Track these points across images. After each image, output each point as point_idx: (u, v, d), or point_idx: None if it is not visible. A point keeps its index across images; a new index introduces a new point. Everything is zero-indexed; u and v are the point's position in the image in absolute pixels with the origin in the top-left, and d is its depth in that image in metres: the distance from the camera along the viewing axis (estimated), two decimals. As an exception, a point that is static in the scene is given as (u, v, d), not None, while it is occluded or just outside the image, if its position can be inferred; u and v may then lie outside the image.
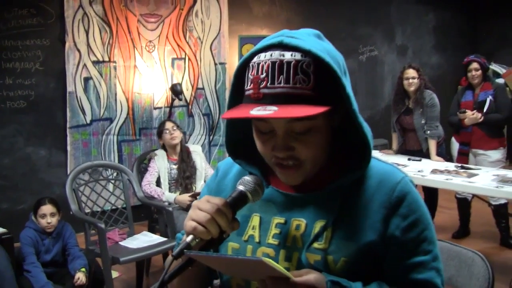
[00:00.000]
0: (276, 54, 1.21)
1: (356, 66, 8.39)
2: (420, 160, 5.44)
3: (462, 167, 5.06)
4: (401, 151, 5.85)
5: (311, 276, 1.20)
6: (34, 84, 5.82)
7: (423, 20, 9.24)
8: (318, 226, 1.32)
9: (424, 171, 4.93)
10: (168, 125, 4.98)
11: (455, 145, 5.82)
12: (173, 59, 6.67)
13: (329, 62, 1.21)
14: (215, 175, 1.58)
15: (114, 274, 4.73)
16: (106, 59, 6.19)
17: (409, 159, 5.50)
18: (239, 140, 1.45)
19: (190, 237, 1.19)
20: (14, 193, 5.78)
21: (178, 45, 6.68)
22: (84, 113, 6.10)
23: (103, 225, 3.98)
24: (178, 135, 4.97)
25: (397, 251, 1.30)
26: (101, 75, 6.18)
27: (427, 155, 5.58)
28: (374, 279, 1.30)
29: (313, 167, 1.32)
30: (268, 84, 1.20)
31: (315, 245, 1.30)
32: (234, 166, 1.53)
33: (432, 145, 5.55)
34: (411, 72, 5.57)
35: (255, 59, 1.25)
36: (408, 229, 1.30)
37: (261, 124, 1.28)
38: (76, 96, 6.03)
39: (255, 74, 1.23)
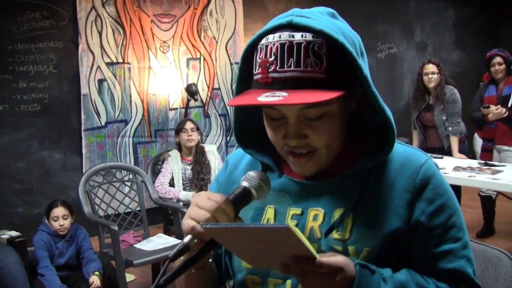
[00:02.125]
0: (285, 35, 1.12)
1: (375, 63, 8.27)
2: (441, 158, 5.30)
3: (486, 164, 4.92)
4: (422, 148, 5.61)
5: (339, 257, 1.10)
6: (48, 87, 5.77)
7: (443, 17, 9.09)
8: (337, 214, 1.23)
9: (446, 168, 4.79)
10: (188, 125, 4.90)
11: (478, 142, 5.69)
12: (188, 59, 6.59)
13: (343, 42, 1.11)
14: (225, 168, 1.49)
15: (130, 277, 4.66)
16: (120, 60, 6.13)
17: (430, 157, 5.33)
18: (249, 128, 1.37)
19: (188, 237, 1.09)
20: (29, 197, 5.73)
21: (193, 45, 6.60)
22: (98, 115, 6.03)
23: (116, 228, 3.90)
24: (195, 138, 4.90)
25: (424, 239, 1.21)
26: (115, 76, 6.11)
27: (448, 153, 5.46)
28: (400, 269, 1.20)
29: (329, 155, 1.23)
30: (277, 68, 1.12)
31: (335, 235, 1.21)
32: (244, 158, 1.45)
33: (454, 142, 5.42)
34: (430, 68, 5.45)
35: (263, 41, 1.16)
36: (435, 214, 1.21)
37: (272, 110, 1.19)
38: (91, 98, 5.97)
39: (263, 57, 1.14)
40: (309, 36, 1.11)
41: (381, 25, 8.31)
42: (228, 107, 6.90)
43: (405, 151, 1.28)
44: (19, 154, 5.68)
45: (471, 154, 5.77)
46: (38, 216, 5.32)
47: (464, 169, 4.73)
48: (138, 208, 4.57)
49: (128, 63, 6.19)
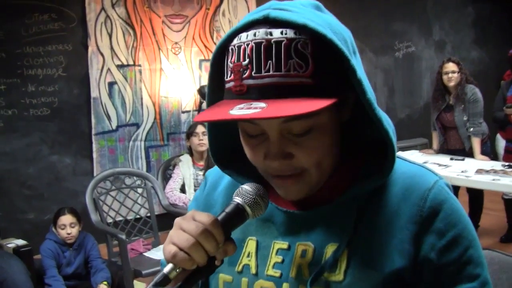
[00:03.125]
0: (261, 33, 0.91)
1: (392, 63, 8.10)
2: (463, 160, 5.12)
3: (510, 166, 4.72)
4: (443, 150, 5.53)
5: None
6: (57, 90, 5.66)
7: (462, 14, 8.88)
8: (329, 251, 1.02)
9: (469, 171, 4.61)
10: (199, 129, 4.75)
11: (501, 143, 5.50)
12: (200, 61, 6.45)
13: (332, 38, 0.90)
14: (203, 187, 1.29)
15: (141, 285, 4.52)
16: (131, 62, 6.00)
17: (451, 159, 5.18)
18: (227, 145, 1.16)
19: (169, 267, 0.90)
20: (40, 203, 5.63)
21: (205, 46, 6.46)
22: (109, 119, 5.91)
23: (123, 236, 3.77)
24: (206, 142, 4.73)
25: (434, 279, 0.99)
26: (126, 79, 5.99)
27: (470, 154, 5.26)
28: None
29: (319, 176, 1.01)
30: (252, 73, 0.91)
31: (326, 275, 1.00)
32: (225, 177, 1.24)
33: (476, 143, 5.22)
34: (450, 66, 5.25)
35: (235, 41, 0.95)
36: (447, 249, 0.99)
37: (249, 125, 0.98)
38: (101, 102, 5.85)
39: (235, 60, 0.94)
40: (290, 33, 0.90)
41: (399, 24, 8.13)
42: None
43: (410, 171, 1.07)
44: (28, 159, 5.58)
45: (493, 155, 5.58)
46: (49, 222, 5.20)
47: (487, 172, 4.54)
48: (148, 214, 4.44)
49: (139, 65, 6.07)
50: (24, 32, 5.46)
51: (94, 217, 4.03)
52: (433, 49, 8.61)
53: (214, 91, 1.05)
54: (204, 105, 6.18)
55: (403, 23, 8.22)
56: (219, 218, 0.95)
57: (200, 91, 6.02)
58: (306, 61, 0.90)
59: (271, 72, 0.90)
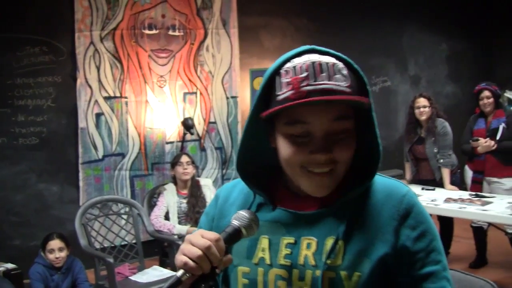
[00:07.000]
0: (314, 56, 1.26)
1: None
2: (433, 189, 5.38)
3: (477, 195, 4.98)
4: (415, 181, 5.77)
5: None
6: (46, 120, 5.86)
7: (436, 50, 9.19)
8: (329, 243, 1.31)
9: (438, 200, 4.86)
10: (184, 159, 4.99)
11: (468, 173, 5.74)
12: (184, 94, 6.68)
13: (357, 69, 1.29)
14: (215, 202, 1.56)
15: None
16: (118, 94, 6.23)
17: (422, 189, 5.44)
18: (251, 161, 1.44)
19: (180, 272, 1.17)
20: (26, 230, 5.76)
21: (190, 80, 6.69)
22: (96, 148, 6.11)
23: (111, 260, 3.95)
24: (190, 171, 4.97)
25: (409, 262, 1.31)
26: (112, 110, 6.20)
27: (440, 184, 5.52)
28: None
29: (341, 175, 1.31)
30: (310, 82, 1.22)
31: (328, 261, 1.30)
32: (233, 191, 1.53)
33: (446, 174, 5.49)
34: (422, 101, 5.55)
35: (288, 64, 1.27)
36: (418, 239, 1.32)
37: (296, 127, 1.26)
38: (88, 132, 6.06)
39: (292, 76, 1.24)
40: (332, 59, 1.26)
41: (376, 59, 8.38)
42: (224, 141, 6.91)
43: (388, 182, 1.40)
44: (17, 187, 5.74)
45: (464, 185, 5.83)
46: (35, 248, 5.33)
47: (455, 200, 4.80)
48: (134, 241, 4.62)
49: (126, 97, 6.29)
50: (15, 64, 5.67)
51: (83, 241, 4.21)
52: (408, 83, 8.87)
53: (259, 111, 1.32)
54: (188, 136, 6.40)
55: (379, 59, 8.47)
56: (222, 236, 1.22)
57: (184, 123, 6.21)
58: (345, 77, 1.25)
59: (324, 81, 1.22)
